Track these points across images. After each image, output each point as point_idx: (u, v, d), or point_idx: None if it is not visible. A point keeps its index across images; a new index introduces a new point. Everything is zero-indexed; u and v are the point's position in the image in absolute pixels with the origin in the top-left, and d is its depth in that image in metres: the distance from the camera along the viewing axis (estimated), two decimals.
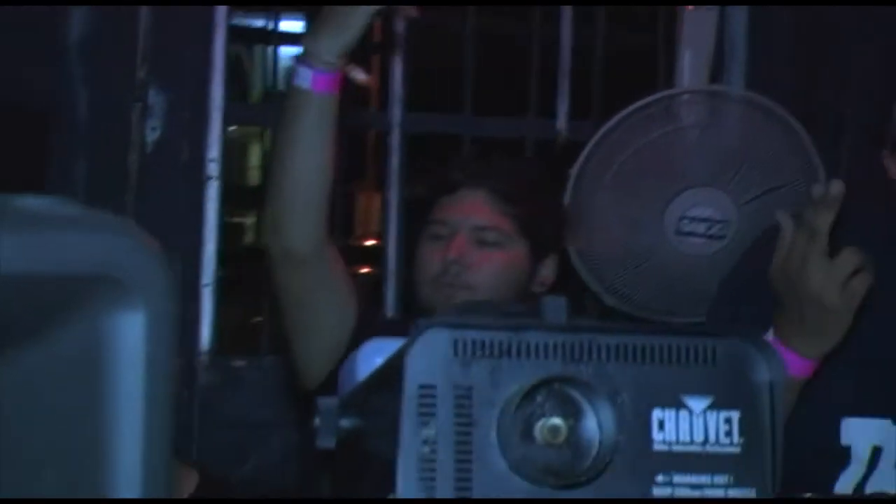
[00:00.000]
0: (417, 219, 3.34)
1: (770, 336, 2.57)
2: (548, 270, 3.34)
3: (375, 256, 4.93)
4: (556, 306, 1.78)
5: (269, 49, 4.97)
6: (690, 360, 1.72)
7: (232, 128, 4.89)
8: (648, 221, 4.20)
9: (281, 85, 4.71)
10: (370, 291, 4.64)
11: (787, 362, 2.52)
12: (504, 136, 4.79)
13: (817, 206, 2.49)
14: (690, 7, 4.35)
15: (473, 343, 1.69)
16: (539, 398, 1.68)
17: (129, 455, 1.32)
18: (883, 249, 2.76)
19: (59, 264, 1.31)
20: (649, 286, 4.20)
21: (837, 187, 2.49)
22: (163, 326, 1.33)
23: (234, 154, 6.54)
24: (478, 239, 3.20)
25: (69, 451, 1.33)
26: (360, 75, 3.01)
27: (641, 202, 4.21)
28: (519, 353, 1.69)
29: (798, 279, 2.51)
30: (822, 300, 2.49)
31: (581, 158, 4.18)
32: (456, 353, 1.69)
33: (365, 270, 5.67)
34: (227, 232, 4.60)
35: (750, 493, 1.72)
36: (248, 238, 7.00)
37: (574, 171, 4.18)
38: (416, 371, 1.67)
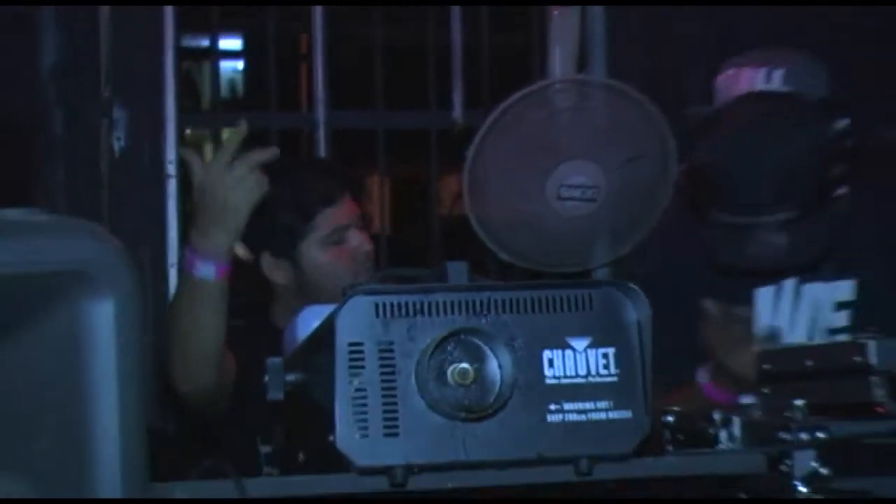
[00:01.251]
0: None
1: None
2: None
3: None
4: (458, 270, 1.77)
5: (212, 64, 4.90)
6: (572, 307, 1.72)
7: (187, 132, 4.83)
8: (534, 190, 4.19)
9: (224, 92, 4.66)
10: None
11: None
12: (411, 126, 4.76)
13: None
14: (556, 10, 4.33)
15: (391, 305, 1.68)
16: (449, 347, 1.67)
17: (107, 421, 1.30)
18: None
19: (36, 264, 1.29)
20: (538, 244, 4.19)
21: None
22: (130, 312, 1.31)
23: None
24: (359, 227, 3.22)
25: (56, 422, 1.31)
26: (240, 252, 2.98)
27: (527, 175, 4.19)
28: (430, 311, 1.68)
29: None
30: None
31: (476, 141, 4.16)
32: (377, 315, 1.68)
33: None
34: (187, 219, 4.54)
35: (627, 415, 1.71)
36: None
37: (471, 152, 4.16)
38: (345, 331, 1.66)
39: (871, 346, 1.95)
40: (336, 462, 1.68)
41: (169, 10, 4.29)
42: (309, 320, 1.89)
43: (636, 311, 1.72)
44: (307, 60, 4.87)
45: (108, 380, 1.29)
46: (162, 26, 4.30)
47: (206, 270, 2.75)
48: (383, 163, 4.68)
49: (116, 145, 4.21)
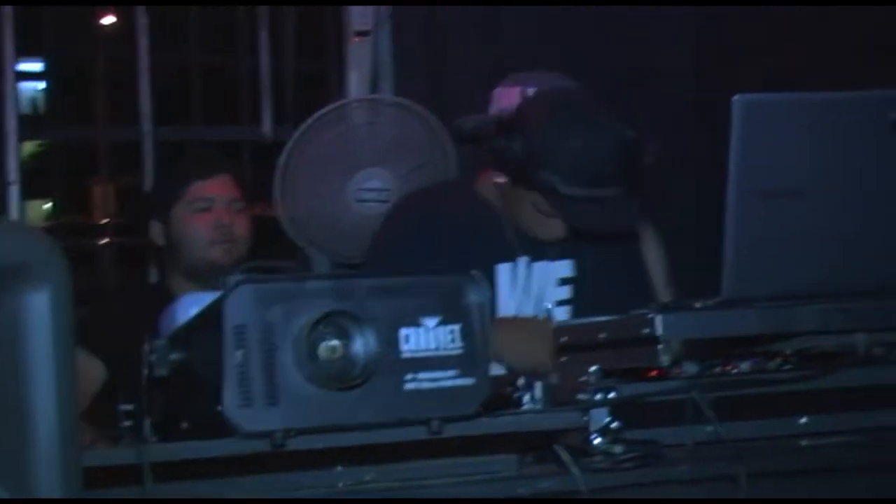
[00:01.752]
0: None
1: None
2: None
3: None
4: (322, 261, 1.78)
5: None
6: (424, 291, 1.74)
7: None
8: (336, 195, 4.19)
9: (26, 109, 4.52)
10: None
11: None
12: (226, 139, 4.71)
13: None
14: (355, 39, 4.35)
15: (271, 292, 1.68)
16: (321, 327, 1.68)
17: (44, 399, 1.27)
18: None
19: None
20: (339, 239, 4.18)
21: None
22: (63, 302, 1.28)
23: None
24: (231, 208, 3.18)
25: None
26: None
27: (330, 181, 4.19)
28: (304, 296, 1.69)
29: None
30: None
31: (285, 152, 4.14)
32: (259, 301, 1.67)
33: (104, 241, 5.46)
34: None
35: (471, 381, 1.74)
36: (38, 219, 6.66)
37: (281, 161, 4.14)
38: (232, 315, 1.66)
39: (658, 318, 2.01)
40: (220, 429, 1.67)
41: (9, 33, 4.15)
42: (187, 306, 1.87)
43: (477, 295, 1.75)
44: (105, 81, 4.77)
45: (46, 362, 1.27)
46: (2, 48, 4.17)
47: None
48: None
49: None
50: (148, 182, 4.33)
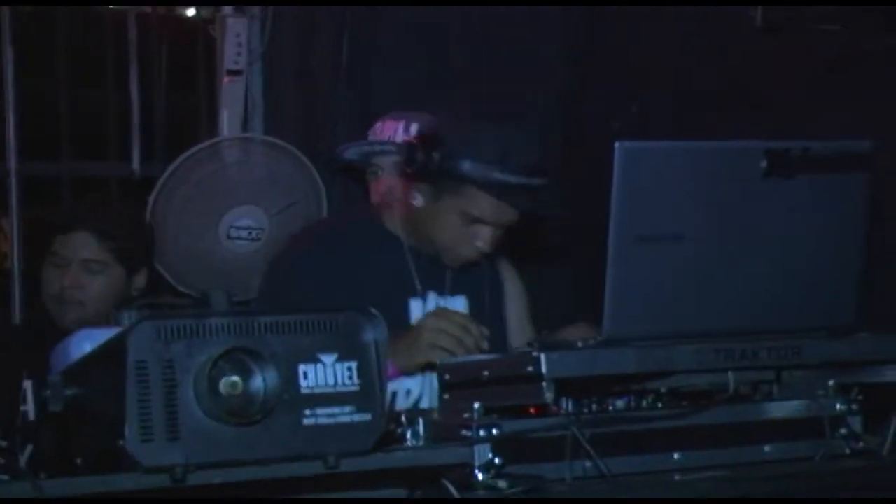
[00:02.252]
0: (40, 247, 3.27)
1: None
2: (141, 278, 3.35)
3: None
4: (220, 299, 1.82)
5: None
6: (322, 328, 1.79)
7: None
8: (207, 232, 4.22)
9: None
10: None
11: None
12: (94, 174, 4.67)
13: None
14: (227, 79, 4.38)
15: (172, 329, 1.71)
16: (221, 363, 1.72)
17: None
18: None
19: None
20: (209, 276, 4.20)
21: None
22: None
23: None
24: (86, 268, 3.20)
25: None
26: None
27: (201, 218, 4.21)
28: (205, 333, 1.72)
29: None
30: None
31: (155, 189, 4.15)
32: (160, 337, 1.71)
33: None
34: None
35: (367, 417, 1.80)
36: None
37: (151, 198, 4.14)
38: (134, 351, 1.68)
39: (542, 357, 2.09)
40: (117, 465, 1.69)
41: None
42: (81, 342, 1.89)
43: (374, 332, 1.81)
44: None
45: None
46: None
47: None
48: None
49: None
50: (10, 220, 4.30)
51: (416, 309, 2.93)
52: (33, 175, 4.46)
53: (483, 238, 2.85)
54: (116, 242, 3.25)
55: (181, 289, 4.17)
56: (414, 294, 2.93)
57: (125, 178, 4.56)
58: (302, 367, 1.76)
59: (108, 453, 1.70)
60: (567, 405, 2.22)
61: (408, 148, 2.84)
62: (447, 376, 2.28)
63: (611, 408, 2.26)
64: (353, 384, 1.78)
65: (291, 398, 1.75)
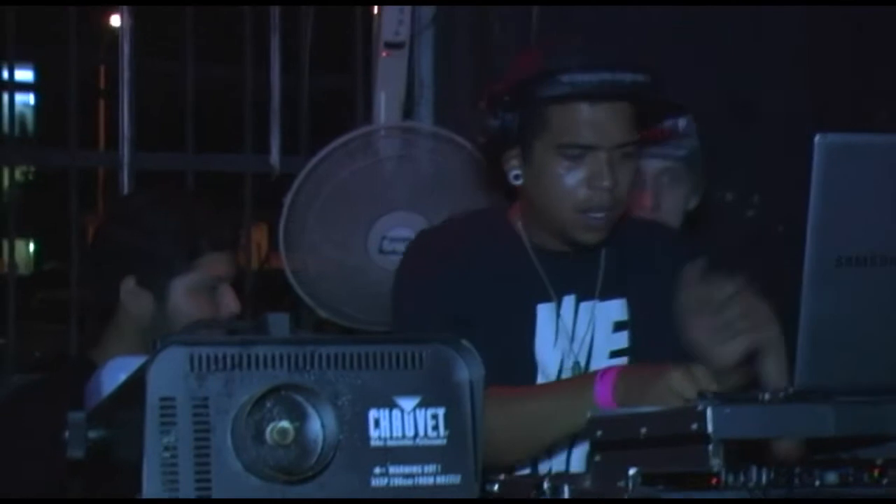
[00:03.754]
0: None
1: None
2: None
3: None
4: (279, 322, 1.79)
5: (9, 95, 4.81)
6: (400, 364, 1.74)
7: None
8: (355, 243, 4.23)
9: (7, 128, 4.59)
10: None
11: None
12: (224, 170, 4.76)
13: None
14: (384, 52, 4.38)
15: (208, 357, 1.68)
16: (268, 404, 1.68)
17: None
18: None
19: None
20: (357, 299, 4.22)
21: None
22: None
23: None
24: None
25: None
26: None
27: (348, 226, 4.23)
28: (249, 365, 1.69)
29: None
30: None
31: (293, 189, 4.19)
32: (192, 368, 1.68)
33: None
34: None
35: (456, 480, 1.74)
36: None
37: (287, 200, 4.18)
38: (157, 385, 1.66)
39: (709, 413, 2.00)
40: None
41: None
42: (115, 373, 1.88)
43: (468, 370, 1.75)
44: (106, 95, 4.85)
45: None
46: None
47: None
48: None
49: None
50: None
51: (546, 314, 2.87)
52: (149, 169, 4.57)
53: (598, 170, 2.74)
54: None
55: (321, 313, 4.19)
56: (545, 298, 2.87)
57: (262, 175, 4.62)
58: (373, 413, 1.71)
59: None
60: (758, 476, 2.12)
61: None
62: (599, 433, 2.22)
63: (818, 482, 2.15)
64: (439, 437, 1.72)
65: (357, 451, 1.70)
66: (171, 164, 4.69)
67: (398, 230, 4.23)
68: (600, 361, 2.84)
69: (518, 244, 2.89)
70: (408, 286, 2.96)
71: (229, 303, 3.07)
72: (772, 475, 2.11)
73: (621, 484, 2.07)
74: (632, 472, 2.08)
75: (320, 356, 1.70)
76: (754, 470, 2.11)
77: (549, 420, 2.65)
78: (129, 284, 3.03)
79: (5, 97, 4.67)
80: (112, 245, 3.03)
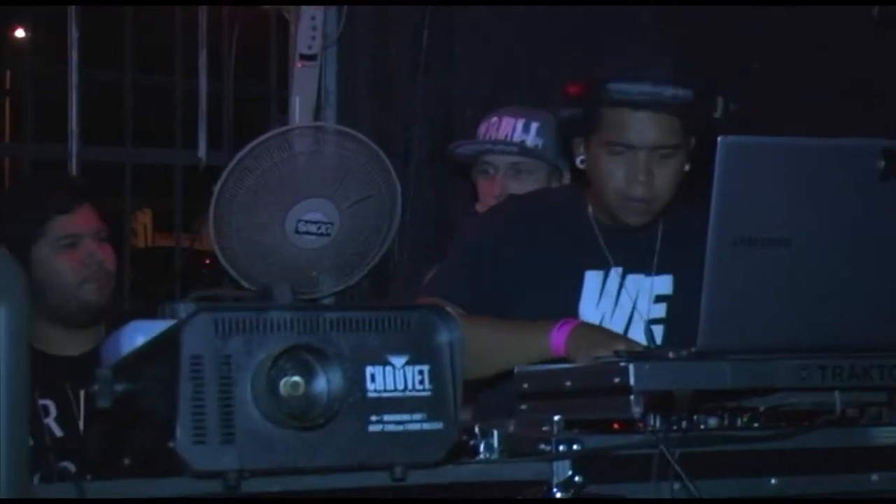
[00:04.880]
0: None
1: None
2: None
3: None
4: (283, 292, 1.75)
5: None
6: (392, 327, 1.71)
7: None
8: (274, 225, 4.17)
9: None
10: None
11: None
12: (158, 162, 4.66)
13: None
14: (299, 63, 4.32)
15: (230, 322, 1.64)
16: (282, 361, 1.65)
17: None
18: None
19: None
20: (276, 272, 4.16)
21: None
22: (20, 317, 1.24)
23: None
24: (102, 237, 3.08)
25: None
26: None
27: (268, 211, 4.17)
28: (265, 328, 1.65)
29: None
30: None
31: (221, 178, 4.12)
32: (217, 331, 1.64)
33: None
34: None
35: (439, 426, 1.72)
36: None
37: (216, 187, 4.11)
38: (188, 345, 1.62)
39: (631, 368, 2.00)
40: (167, 466, 1.63)
41: None
42: (133, 334, 1.82)
43: (449, 333, 1.73)
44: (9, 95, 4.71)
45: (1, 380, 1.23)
46: None
47: None
48: (129, 195, 4.56)
49: None
50: None
51: (593, 281, 2.84)
52: (95, 160, 4.45)
53: (634, 167, 2.73)
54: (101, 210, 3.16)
55: (245, 284, 4.12)
56: (595, 266, 2.84)
57: (191, 167, 4.53)
58: (369, 369, 1.68)
59: (157, 454, 1.63)
60: (654, 421, 2.12)
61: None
62: (525, 385, 2.21)
63: (703, 426, 2.16)
64: (424, 389, 1.70)
65: (357, 402, 1.67)
66: (112, 157, 4.57)
67: (311, 213, 4.20)
68: (638, 327, 2.81)
69: (585, 218, 2.85)
70: (475, 236, 2.92)
71: (93, 252, 3.03)
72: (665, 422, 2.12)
73: (546, 429, 2.06)
74: (556, 418, 2.06)
75: (326, 320, 1.67)
76: (652, 417, 2.12)
77: (504, 349, 2.64)
78: None
79: None
80: None
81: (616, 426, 2.11)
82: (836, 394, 2.13)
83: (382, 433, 1.68)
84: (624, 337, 2.67)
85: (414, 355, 1.71)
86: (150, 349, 1.72)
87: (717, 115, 2.73)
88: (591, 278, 2.83)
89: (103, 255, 3.04)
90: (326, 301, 4.14)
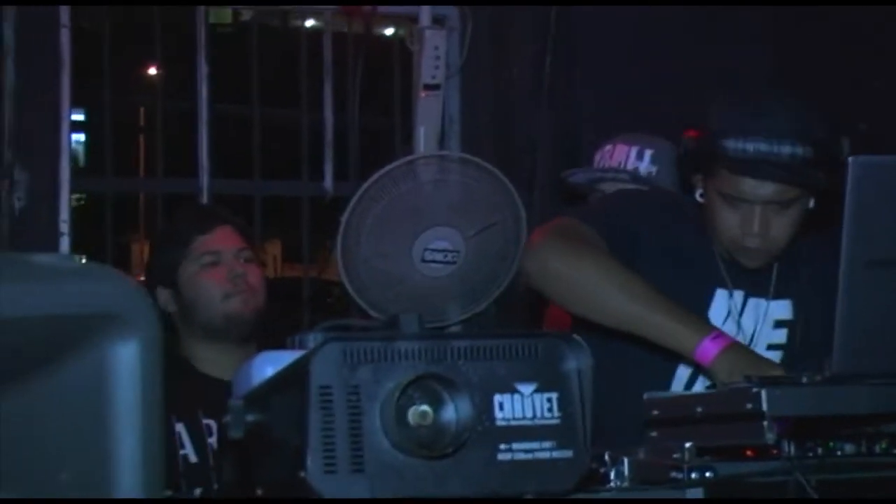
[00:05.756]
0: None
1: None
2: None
3: None
4: (410, 321, 1.74)
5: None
6: (520, 355, 1.69)
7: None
8: (400, 254, 4.18)
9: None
10: None
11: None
12: (285, 194, 4.72)
13: None
14: (423, 93, 4.34)
15: (359, 352, 1.64)
16: (410, 391, 1.64)
17: (130, 455, 1.24)
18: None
19: (68, 307, 1.22)
20: (402, 301, 4.17)
21: None
22: (152, 352, 1.25)
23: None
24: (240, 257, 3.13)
25: (81, 457, 1.24)
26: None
27: (395, 240, 4.18)
28: (393, 357, 1.65)
29: None
30: None
31: (348, 209, 4.14)
32: (345, 360, 1.64)
33: None
34: None
35: (569, 454, 1.69)
36: None
37: (343, 218, 4.13)
38: (317, 375, 1.62)
39: (763, 394, 1.97)
40: (299, 496, 1.63)
41: (66, 84, 4.19)
42: (263, 365, 1.83)
43: (576, 360, 1.71)
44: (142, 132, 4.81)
45: (133, 415, 1.24)
46: (59, 98, 4.20)
47: None
48: (258, 227, 4.62)
49: (17, 205, 4.09)
50: None
51: (721, 299, 2.78)
52: (225, 193, 4.52)
53: (749, 219, 2.65)
54: (250, 235, 3.27)
55: (373, 314, 4.14)
56: (723, 285, 2.77)
57: (317, 198, 4.58)
58: (498, 398, 1.67)
59: (289, 484, 1.63)
60: (789, 448, 2.07)
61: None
62: (655, 412, 2.18)
63: (839, 452, 2.11)
64: (553, 417, 1.68)
65: (486, 431, 1.65)
66: (241, 190, 4.64)
67: (437, 242, 4.20)
68: (758, 350, 2.74)
69: (708, 240, 2.78)
70: (612, 204, 2.90)
71: (233, 266, 3.08)
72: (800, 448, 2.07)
73: (677, 456, 2.02)
74: (687, 445, 2.03)
75: (453, 349, 1.66)
76: (786, 444, 2.07)
77: (640, 319, 2.55)
78: (161, 293, 3.11)
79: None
80: (147, 266, 3.23)
81: (749, 453, 2.07)
82: None
83: (512, 462, 1.67)
84: (776, 364, 2.59)
85: (542, 383, 1.69)
86: (280, 379, 1.73)
87: (843, 157, 2.56)
88: (721, 296, 2.77)
89: (246, 271, 3.10)
90: (454, 329, 4.14)
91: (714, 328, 2.56)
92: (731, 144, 2.61)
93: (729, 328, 2.74)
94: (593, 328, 2.60)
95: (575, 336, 1.72)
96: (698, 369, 2.66)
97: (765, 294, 2.79)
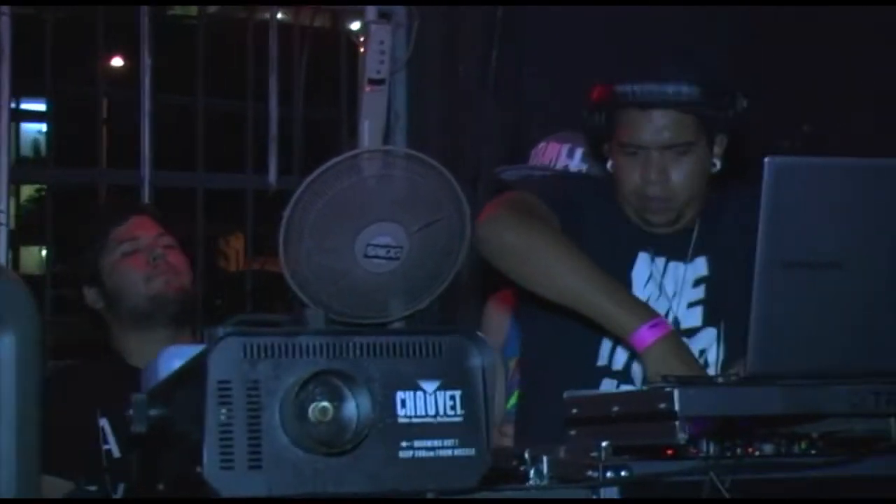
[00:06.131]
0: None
1: None
2: None
3: None
4: (316, 317, 1.73)
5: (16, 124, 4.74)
6: (424, 352, 1.69)
7: None
8: (343, 249, 4.16)
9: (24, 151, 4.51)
10: None
11: None
12: (228, 187, 4.69)
13: None
14: (368, 88, 4.33)
15: (259, 346, 1.63)
16: (311, 387, 1.63)
17: (7, 451, 1.22)
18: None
19: None
20: (344, 297, 4.15)
21: None
22: (29, 343, 1.24)
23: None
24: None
25: None
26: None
27: (337, 235, 4.16)
28: (294, 353, 1.64)
29: None
30: None
31: (291, 203, 4.12)
32: (245, 355, 1.63)
33: None
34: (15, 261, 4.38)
35: (471, 452, 1.69)
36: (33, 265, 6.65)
37: (286, 213, 4.11)
38: (216, 370, 1.61)
39: (676, 393, 1.96)
40: (198, 493, 1.61)
41: (6, 73, 4.15)
42: (169, 359, 1.82)
43: (481, 357, 1.70)
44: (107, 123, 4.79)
45: (8, 409, 1.22)
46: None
47: None
48: (201, 220, 4.60)
49: None
50: None
51: (643, 263, 2.83)
52: (167, 186, 4.49)
53: (647, 166, 2.73)
54: (167, 223, 3.24)
55: (313, 308, 4.12)
56: (645, 250, 2.83)
57: (261, 191, 4.55)
58: (400, 395, 1.66)
59: (187, 481, 1.62)
60: (707, 448, 2.08)
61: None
62: (574, 410, 2.18)
63: (757, 452, 2.11)
64: (456, 415, 1.68)
65: (387, 428, 1.65)
66: (184, 183, 4.62)
67: (380, 237, 4.18)
68: (681, 313, 2.80)
69: (624, 214, 2.85)
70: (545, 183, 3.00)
71: (152, 249, 3.08)
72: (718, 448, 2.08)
73: (594, 455, 2.02)
74: (604, 444, 2.02)
75: (355, 345, 1.66)
76: (704, 443, 2.07)
77: (584, 298, 2.61)
78: (87, 293, 3.11)
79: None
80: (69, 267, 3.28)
81: (669, 452, 2.07)
82: (892, 420, 2.08)
83: (413, 459, 1.66)
84: (699, 366, 2.63)
85: (445, 380, 1.68)
86: (183, 374, 1.72)
87: (734, 112, 2.71)
88: (643, 259, 2.83)
89: (166, 253, 3.09)
90: (396, 325, 4.12)
91: (654, 314, 2.60)
92: (621, 89, 2.70)
93: (651, 289, 2.81)
94: (540, 303, 2.67)
95: (479, 334, 1.72)
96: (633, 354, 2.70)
97: (683, 258, 2.84)
